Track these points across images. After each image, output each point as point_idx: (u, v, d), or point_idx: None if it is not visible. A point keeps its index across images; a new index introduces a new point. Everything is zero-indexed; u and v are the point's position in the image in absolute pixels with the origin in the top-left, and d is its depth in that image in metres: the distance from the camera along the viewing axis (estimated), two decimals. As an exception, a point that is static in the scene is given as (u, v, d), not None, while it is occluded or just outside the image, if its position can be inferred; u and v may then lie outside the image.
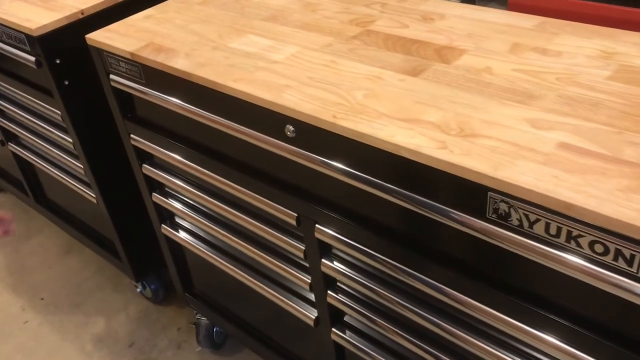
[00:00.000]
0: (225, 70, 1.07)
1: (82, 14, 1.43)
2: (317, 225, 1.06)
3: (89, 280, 2.11)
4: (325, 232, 1.05)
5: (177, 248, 1.61)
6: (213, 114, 1.11)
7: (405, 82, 0.96)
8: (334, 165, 0.94)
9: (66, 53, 1.43)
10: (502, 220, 0.77)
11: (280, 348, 1.51)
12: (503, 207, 0.76)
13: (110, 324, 1.94)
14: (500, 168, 0.75)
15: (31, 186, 2.09)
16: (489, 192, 0.76)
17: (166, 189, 1.48)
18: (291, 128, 0.97)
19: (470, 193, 0.78)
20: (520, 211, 0.74)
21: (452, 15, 1.15)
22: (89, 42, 1.28)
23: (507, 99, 0.88)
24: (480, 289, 0.86)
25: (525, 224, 0.74)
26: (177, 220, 1.54)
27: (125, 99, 1.33)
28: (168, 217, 1.55)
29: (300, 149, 0.98)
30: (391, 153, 0.84)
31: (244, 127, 1.06)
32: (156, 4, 1.41)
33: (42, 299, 2.06)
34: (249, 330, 1.58)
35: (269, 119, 0.99)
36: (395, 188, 0.88)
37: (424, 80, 0.96)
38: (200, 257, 1.49)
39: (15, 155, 1.99)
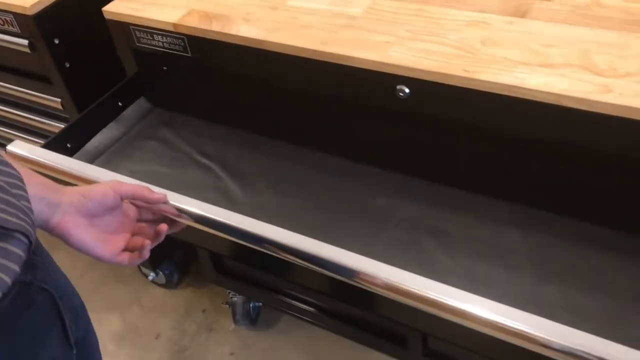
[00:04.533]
0: (303, 33, 0.96)
1: (78, -17, 1.23)
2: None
3: (86, 276, 1.94)
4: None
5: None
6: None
7: (517, 24, 0.90)
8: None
9: (65, 31, 1.24)
10: (683, 157, 0.75)
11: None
12: (686, 145, 0.74)
13: (125, 318, 1.81)
14: (685, 106, 0.72)
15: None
16: (671, 132, 0.73)
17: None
18: (405, 89, 0.89)
19: (645, 135, 0.75)
20: None
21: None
22: (108, 17, 1.11)
23: (636, 31, 0.85)
24: None
25: None
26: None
27: (153, 76, 1.18)
28: (198, 198, 1.43)
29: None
30: (546, 104, 0.79)
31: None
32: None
33: (37, 305, 1.88)
34: (290, 295, 1.52)
35: (373, 82, 0.91)
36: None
37: (536, 20, 0.91)
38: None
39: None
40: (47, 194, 0.70)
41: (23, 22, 1.20)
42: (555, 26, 0.89)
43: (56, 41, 1.23)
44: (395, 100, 0.91)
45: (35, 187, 0.68)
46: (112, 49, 1.19)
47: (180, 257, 1.83)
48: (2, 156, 0.62)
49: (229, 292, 1.67)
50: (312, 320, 1.52)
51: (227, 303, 1.70)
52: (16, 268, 0.55)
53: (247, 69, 1.04)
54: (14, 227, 0.56)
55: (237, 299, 1.66)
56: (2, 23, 1.24)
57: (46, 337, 0.65)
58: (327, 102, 1.00)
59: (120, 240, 0.76)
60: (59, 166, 0.93)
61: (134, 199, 0.78)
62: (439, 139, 0.94)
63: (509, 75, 0.81)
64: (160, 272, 1.80)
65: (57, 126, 1.41)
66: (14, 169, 0.64)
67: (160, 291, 1.87)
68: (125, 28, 1.11)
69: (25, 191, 0.62)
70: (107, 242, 0.75)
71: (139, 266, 1.85)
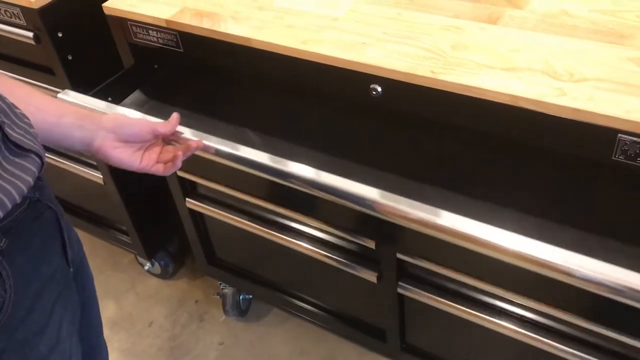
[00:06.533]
0: (287, 32, 1.02)
1: (81, -20, 1.30)
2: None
3: (85, 264, 2.00)
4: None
5: (199, 222, 1.56)
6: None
7: (487, 30, 0.95)
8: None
9: (68, 25, 1.30)
10: (631, 160, 0.79)
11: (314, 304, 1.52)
12: (634, 147, 0.78)
13: (121, 306, 1.87)
14: (632, 110, 0.76)
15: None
16: (619, 135, 0.77)
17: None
18: (378, 88, 0.94)
19: (596, 137, 0.79)
20: (654, 150, 0.76)
21: (497, -42, 1.14)
22: (107, 12, 1.18)
23: (598, 40, 0.90)
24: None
25: (658, 161, 0.77)
26: (200, 192, 1.48)
27: (149, 70, 1.24)
28: (191, 190, 1.49)
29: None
30: (504, 104, 0.83)
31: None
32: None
33: (38, 290, 1.95)
34: (278, 289, 1.57)
35: (349, 80, 0.96)
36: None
37: (506, 27, 0.95)
38: (225, 226, 1.45)
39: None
40: (84, 122, 0.83)
41: (29, 16, 1.27)
42: (524, 33, 0.93)
43: (60, 34, 1.30)
44: (369, 98, 0.96)
45: (73, 116, 0.82)
46: (112, 43, 1.26)
47: (176, 248, 1.89)
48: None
49: (220, 284, 1.72)
50: (299, 314, 1.57)
51: (217, 294, 1.75)
52: (30, 180, 0.67)
53: (234, 65, 1.09)
54: (31, 148, 0.68)
55: (228, 290, 1.71)
56: (9, 16, 1.31)
57: (51, 248, 0.78)
58: (309, 98, 1.06)
59: (154, 155, 0.90)
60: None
61: (164, 135, 0.91)
62: (412, 136, 0.99)
63: (472, 77, 0.86)
64: (156, 263, 1.86)
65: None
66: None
67: (155, 281, 1.93)
68: (124, 23, 1.17)
69: (29, 119, 0.74)
70: (142, 157, 0.88)
71: (135, 256, 1.91)
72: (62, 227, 0.80)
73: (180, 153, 0.90)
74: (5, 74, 0.81)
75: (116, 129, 0.84)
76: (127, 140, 0.86)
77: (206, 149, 0.97)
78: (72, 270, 0.84)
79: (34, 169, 0.69)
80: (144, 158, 0.88)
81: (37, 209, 0.75)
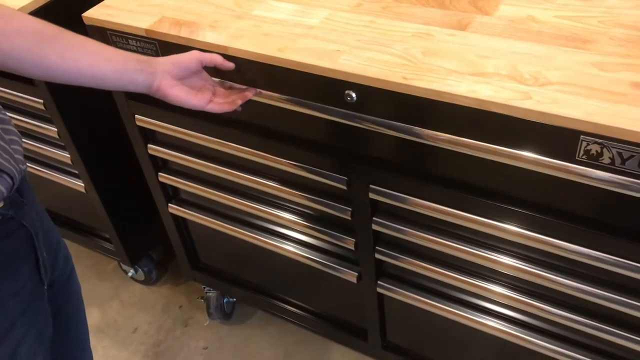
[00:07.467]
0: (263, 40, 1.04)
1: (60, -11, 1.31)
2: (371, 186, 1.08)
3: (69, 272, 2.01)
4: (381, 191, 1.08)
5: (182, 227, 1.57)
6: (252, 86, 1.08)
7: (457, 36, 0.98)
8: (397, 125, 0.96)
9: (48, 35, 1.31)
10: (593, 160, 0.82)
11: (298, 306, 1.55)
12: (595, 148, 0.81)
13: (105, 313, 1.88)
14: (593, 112, 0.80)
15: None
16: (582, 136, 0.81)
17: (171, 166, 1.43)
18: (352, 94, 0.97)
19: (560, 139, 0.83)
20: (614, 150, 0.80)
21: (467, -34, 1.18)
22: (87, 22, 1.19)
23: (563, 45, 0.93)
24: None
25: (618, 161, 0.81)
26: (182, 197, 1.50)
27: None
28: (173, 195, 1.50)
29: (363, 114, 0.98)
30: (473, 109, 0.86)
31: (290, 97, 1.05)
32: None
33: (21, 298, 1.95)
34: (262, 292, 1.59)
35: (324, 86, 0.98)
36: (473, 141, 0.91)
37: (475, 33, 0.99)
38: (208, 230, 1.47)
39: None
40: (144, 66, 0.91)
41: (9, 26, 1.28)
42: (492, 39, 0.97)
43: (40, 44, 1.30)
44: (345, 104, 0.99)
45: (135, 62, 0.90)
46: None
47: (159, 254, 1.90)
48: None
49: (205, 288, 1.74)
50: (282, 315, 1.60)
51: (201, 297, 1.77)
52: None
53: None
54: (4, 169, 0.70)
55: (212, 293, 1.73)
56: (-11, 26, 1.31)
57: (19, 265, 0.79)
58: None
59: (207, 95, 0.98)
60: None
61: (211, 65, 1.00)
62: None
63: (441, 83, 0.89)
64: (140, 269, 1.87)
65: (41, 126, 1.49)
66: (7, 115, 0.79)
67: (139, 287, 1.94)
68: (103, 33, 1.19)
69: (19, 136, 0.77)
70: (196, 95, 0.96)
71: (119, 263, 1.92)
72: (37, 247, 0.81)
73: (239, 101, 1.01)
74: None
75: (170, 66, 0.93)
76: (180, 77, 0.94)
77: (257, 93, 1.06)
78: (46, 287, 0.84)
79: (2, 188, 0.70)
80: (199, 95, 0.96)
81: (8, 226, 0.75)
